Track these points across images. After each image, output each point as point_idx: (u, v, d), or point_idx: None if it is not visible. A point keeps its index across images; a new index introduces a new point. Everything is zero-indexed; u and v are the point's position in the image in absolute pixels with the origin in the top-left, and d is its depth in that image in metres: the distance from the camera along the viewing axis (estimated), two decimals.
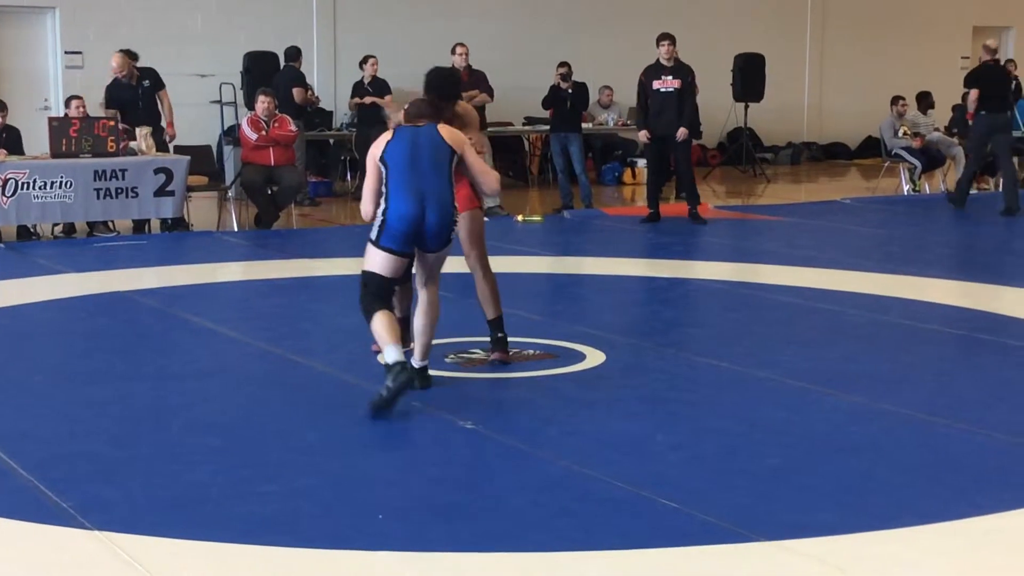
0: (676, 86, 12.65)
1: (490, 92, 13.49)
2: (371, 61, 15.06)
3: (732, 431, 5.66)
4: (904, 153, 15.76)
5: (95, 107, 12.65)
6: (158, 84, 12.81)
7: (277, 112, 12.69)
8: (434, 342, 6.37)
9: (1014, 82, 17.41)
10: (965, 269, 10.46)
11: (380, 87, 14.97)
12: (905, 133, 15.93)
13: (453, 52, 13.56)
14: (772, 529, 4.39)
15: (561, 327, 7.64)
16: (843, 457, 5.28)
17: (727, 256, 11.31)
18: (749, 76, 18.21)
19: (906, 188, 15.82)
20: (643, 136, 13.09)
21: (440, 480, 5.05)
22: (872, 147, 19.07)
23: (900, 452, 5.36)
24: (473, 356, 6.95)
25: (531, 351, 7.06)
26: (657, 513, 4.58)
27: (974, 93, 13.80)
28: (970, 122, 14.24)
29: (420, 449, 5.57)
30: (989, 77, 13.82)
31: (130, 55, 12.82)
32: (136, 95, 12.69)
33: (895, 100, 16.40)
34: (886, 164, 16.78)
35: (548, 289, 9.84)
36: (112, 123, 11.96)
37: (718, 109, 18.27)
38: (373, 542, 4.33)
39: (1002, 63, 14.38)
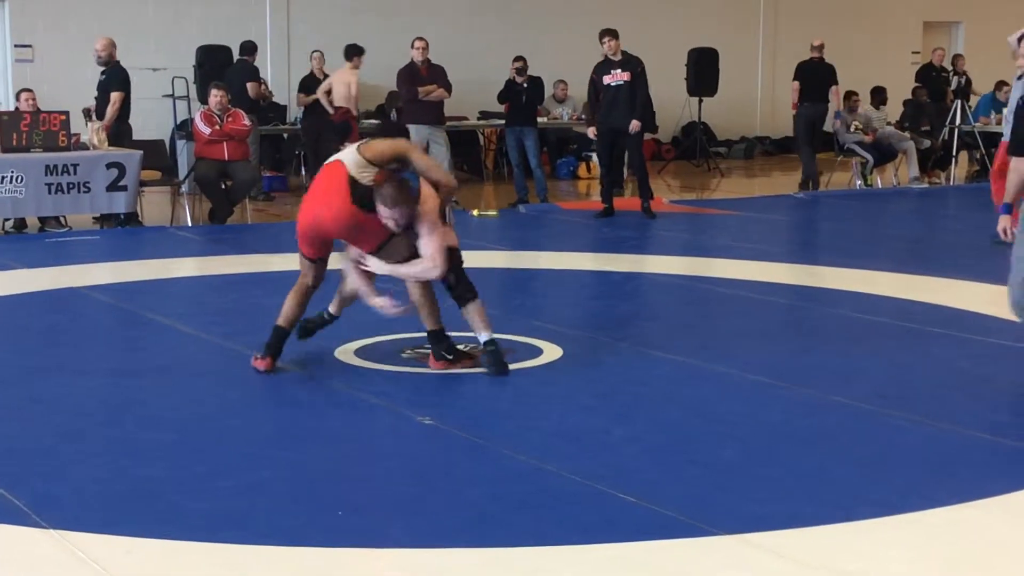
0: (626, 78, 12.66)
1: (448, 87, 13.47)
2: (315, 56, 15.02)
3: (688, 424, 5.68)
4: (856, 147, 15.87)
5: (45, 99, 12.52)
6: (111, 83, 12.59)
7: (230, 107, 12.61)
8: (390, 337, 6.35)
9: (963, 78, 17.66)
10: (917, 262, 10.55)
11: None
12: (857, 127, 16.05)
13: (412, 46, 13.51)
14: (730, 522, 4.41)
15: (517, 322, 7.64)
16: (798, 449, 5.32)
17: (681, 250, 11.35)
18: (703, 71, 18.28)
19: (858, 182, 15.93)
20: (591, 132, 13.10)
21: (398, 475, 5.04)
22: (824, 142, 19.17)
23: (855, 444, 5.40)
24: (429, 351, 6.93)
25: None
26: (615, 507, 4.59)
27: (795, 86, 15.96)
28: (794, 112, 16.12)
29: (378, 444, 5.55)
30: (810, 71, 15.94)
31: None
32: (96, 84, 12.61)
33: (848, 95, 16.52)
34: (838, 159, 16.90)
35: (504, 284, 9.83)
36: (64, 117, 11.82)
37: (672, 103, 18.34)
38: (331, 538, 4.31)
39: (820, 59, 16.04)
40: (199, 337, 7.44)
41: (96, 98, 12.61)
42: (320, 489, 4.82)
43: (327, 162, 6.36)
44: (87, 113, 12.47)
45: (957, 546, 4.33)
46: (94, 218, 12.04)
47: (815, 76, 15.94)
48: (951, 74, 17.85)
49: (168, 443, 5.37)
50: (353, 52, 14.78)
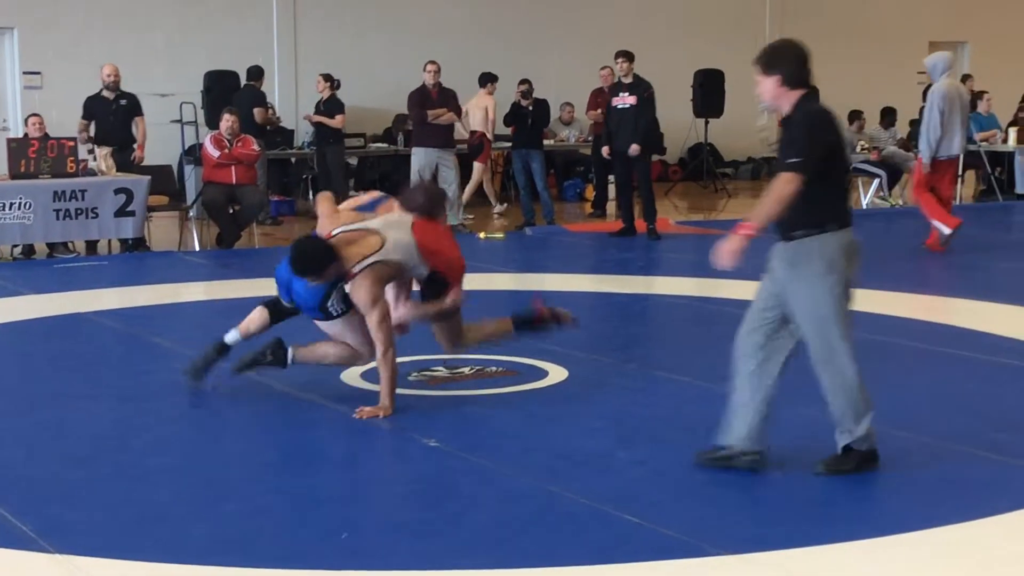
0: (632, 102, 12.74)
1: (458, 111, 13.53)
2: (319, 81, 15.11)
3: (693, 446, 5.67)
4: (867, 166, 15.88)
5: (54, 125, 12.61)
6: (136, 109, 12.85)
7: (240, 132, 12.68)
8: (400, 360, 6.35)
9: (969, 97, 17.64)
10: (924, 282, 10.56)
11: (335, 105, 14.98)
12: (864, 148, 16.08)
13: (424, 69, 13.56)
14: (733, 542, 4.42)
15: (523, 344, 7.64)
16: (800, 469, 5.32)
17: (688, 271, 11.37)
18: (709, 92, 18.32)
19: (871, 200, 15.92)
20: (605, 152, 13.21)
21: (404, 497, 5.05)
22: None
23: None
24: (436, 373, 6.96)
25: (494, 368, 7.08)
26: (620, 528, 4.60)
27: None
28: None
29: (384, 467, 5.57)
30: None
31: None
32: (110, 110, 12.71)
33: (854, 115, 16.57)
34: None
35: (510, 306, 9.79)
36: (72, 143, 11.90)
37: (679, 125, 18.37)
38: (337, 561, 4.32)
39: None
40: None
41: (112, 123, 12.68)
42: (326, 512, 4.83)
43: (410, 223, 6.27)
44: (86, 139, 12.52)
45: (961, 565, 4.33)
46: (86, 242, 12.13)
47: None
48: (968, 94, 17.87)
49: (175, 468, 5.39)
50: (488, 79, 15.10)
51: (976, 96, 17.39)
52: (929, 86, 17.90)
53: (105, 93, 12.79)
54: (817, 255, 5.06)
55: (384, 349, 6.02)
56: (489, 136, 15.08)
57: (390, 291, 6.31)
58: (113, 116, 12.76)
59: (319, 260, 6.08)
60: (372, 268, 6.03)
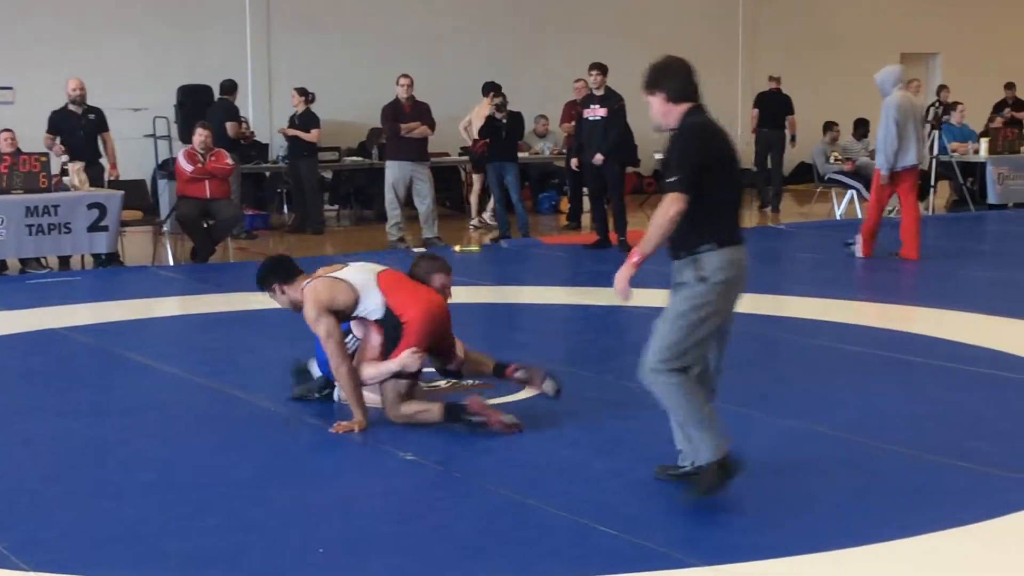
0: (603, 114, 12.81)
1: (432, 124, 13.54)
2: (293, 95, 15.10)
3: (670, 457, 5.69)
4: (843, 177, 15.96)
5: (26, 140, 12.56)
6: (103, 124, 12.81)
7: (213, 146, 12.67)
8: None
9: (940, 108, 17.77)
10: (896, 292, 10.62)
11: (309, 119, 14.98)
12: (837, 159, 16.17)
13: (397, 83, 13.58)
14: (709, 553, 4.44)
15: (500, 356, 7.65)
16: (778, 480, 5.34)
17: (662, 283, 11.34)
18: None
19: (844, 211, 15.99)
20: (574, 164, 13.27)
21: (381, 512, 5.05)
22: (804, 173, 19.29)
23: (834, 474, 5.43)
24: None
25: (470, 381, 7.08)
26: (597, 540, 4.61)
27: (755, 113, 17.55)
28: (753, 135, 17.65)
29: (360, 481, 5.56)
30: (768, 101, 17.41)
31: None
32: (78, 124, 12.66)
33: (828, 127, 16.67)
34: (818, 189, 17.02)
35: (486, 319, 9.86)
36: (45, 158, 11.87)
37: (652, 137, 18.36)
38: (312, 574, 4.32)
39: (778, 90, 17.47)
40: (181, 377, 7.45)
41: (80, 138, 12.63)
42: (303, 527, 4.82)
43: (381, 271, 6.32)
44: (61, 152, 12.46)
45: (936, 574, 4.36)
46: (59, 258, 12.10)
47: (772, 105, 17.35)
48: (935, 104, 17.99)
49: (151, 484, 5.38)
50: (491, 88, 15.25)
51: (949, 107, 17.52)
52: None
53: (72, 107, 12.73)
54: (693, 270, 4.88)
55: (335, 365, 6.09)
56: None
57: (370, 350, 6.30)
58: (82, 131, 12.71)
59: (265, 269, 6.50)
60: (310, 286, 6.20)
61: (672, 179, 4.78)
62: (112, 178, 12.77)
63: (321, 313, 6.09)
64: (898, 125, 11.84)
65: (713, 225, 4.85)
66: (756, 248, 13.24)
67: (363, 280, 6.21)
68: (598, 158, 12.68)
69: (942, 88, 18.62)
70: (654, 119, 5.01)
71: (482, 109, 15.25)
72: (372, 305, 6.16)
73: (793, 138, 17.49)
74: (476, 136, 15.14)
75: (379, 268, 6.38)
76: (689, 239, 4.86)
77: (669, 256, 5.00)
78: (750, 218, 16.90)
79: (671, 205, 4.77)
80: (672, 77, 4.96)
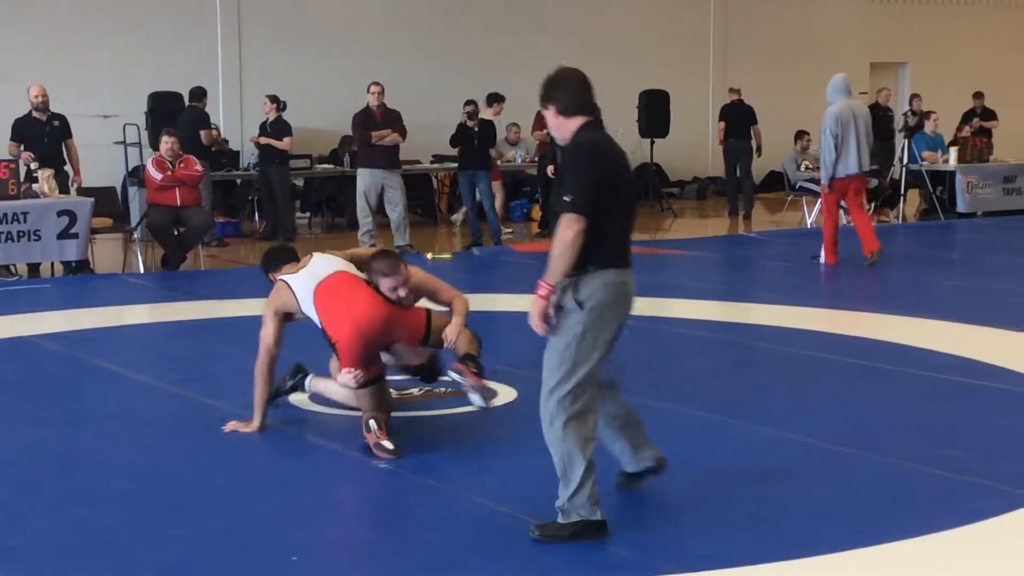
0: None
1: (403, 132, 13.52)
2: (266, 102, 15.04)
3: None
4: (813, 185, 16.01)
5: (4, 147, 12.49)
6: (67, 131, 12.72)
7: (182, 153, 12.61)
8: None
9: (911, 117, 17.87)
10: (869, 301, 10.67)
11: (281, 127, 14.93)
12: (807, 167, 16.24)
13: (368, 90, 13.56)
14: (683, 561, 4.45)
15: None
16: (752, 488, 5.36)
17: (636, 290, 11.39)
18: (654, 112, 18.44)
19: (815, 219, 16.06)
20: (550, 171, 13.28)
21: (355, 520, 5.04)
22: (775, 181, 19.36)
23: (809, 482, 5.45)
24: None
25: (443, 389, 7.06)
26: (569, 548, 4.60)
27: (721, 125, 17.77)
28: (721, 147, 17.94)
29: (334, 489, 5.54)
30: (733, 112, 17.71)
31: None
32: (43, 131, 12.58)
33: (799, 135, 16.74)
34: (789, 197, 17.08)
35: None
36: (15, 165, 11.80)
37: (624, 145, 18.33)
38: None
39: (740, 101, 17.77)
40: (153, 385, 7.41)
41: (45, 145, 12.55)
42: (276, 535, 4.80)
43: (324, 278, 6.13)
44: (31, 159, 12.36)
45: None
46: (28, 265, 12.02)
47: (737, 116, 17.68)
48: (908, 113, 18.10)
49: (123, 492, 5.34)
50: (495, 99, 15.94)
51: (923, 116, 17.64)
52: (870, 106, 18.25)
53: (36, 115, 12.64)
54: (570, 295, 4.60)
55: (256, 364, 6.19)
56: (494, 153, 15.55)
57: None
58: (47, 138, 12.61)
59: (264, 256, 6.77)
60: (275, 286, 6.32)
61: (567, 199, 4.54)
62: (76, 185, 12.68)
63: (270, 315, 6.21)
64: (835, 135, 12.07)
65: (598, 246, 4.60)
66: (727, 256, 13.34)
67: (305, 292, 6.12)
68: (550, 169, 12.70)
69: (914, 97, 18.74)
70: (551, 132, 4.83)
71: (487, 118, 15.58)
72: (313, 319, 6.14)
73: (759, 147, 17.76)
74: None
75: (327, 272, 6.16)
76: (578, 258, 4.59)
77: None
78: (722, 226, 16.97)
79: (568, 228, 4.52)
80: (564, 89, 4.74)
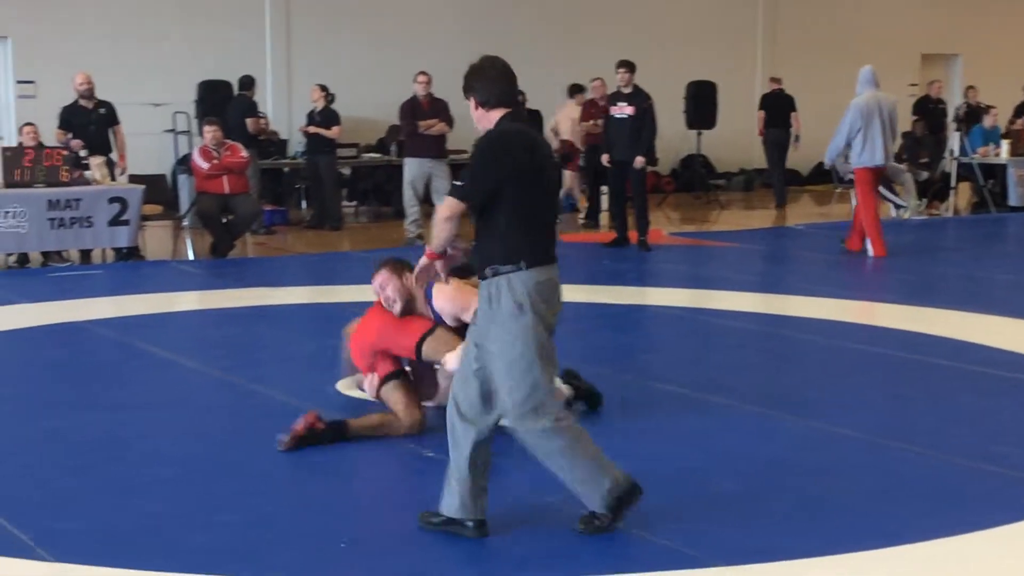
0: (630, 112, 12.79)
1: (450, 121, 13.53)
2: (314, 90, 15.08)
3: (689, 457, 5.69)
4: None
5: (48, 134, 12.60)
6: (113, 118, 12.81)
7: (226, 140, 12.68)
8: None
9: (962, 108, 17.70)
10: (919, 294, 10.57)
11: (329, 116, 14.97)
12: None
13: (415, 80, 13.58)
14: (727, 554, 4.43)
15: None
16: (799, 481, 5.33)
17: (682, 282, 11.38)
18: (701, 104, 18.35)
19: (894, 213, 15.96)
20: (605, 160, 13.24)
21: (402, 508, 5.04)
22: (824, 173, 19.22)
23: (856, 476, 5.41)
24: None
25: None
26: (615, 539, 4.60)
27: (761, 115, 17.90)
28: (761, 137, 18.03)
29: (381, 477, 5.56)
30: (773, 101, 17.94)
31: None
32: (89, 119, 12.68)
33: None
34: (837, 190, 16.96)
35: None
36: (66, 151, 11.91)
37: (671, 136, 18.37)
38: (333, 571, 4.32)
39: (781, 90, 18.04)
40: (201, 371, 7.46)
41: (92, 133, 12.64)
42: (323, 522, 4.82)
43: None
44: (82, 146, 12.45)
45: None
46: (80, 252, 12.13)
47: (777, 105, 17.83)
48: (961, 106, 17.93)
49: (170, 478, 5.39)
50: (576, 90, 16.21)
51: (982, 110, 17.52)
52: (921, 98, 18.09)
53: (82, 102, 12.73)
54: (507, 294, 4.48)
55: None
56: (579, 145, 15.96)
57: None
58: (93, 125, 12.71)
59: None
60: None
61: (457, 184, 4.55)
62: (122, 171, 12.74)
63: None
64: (851, 127, 12.24)
65: (521, 243, 4.50)
66: (773, 248, 13.26)
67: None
68: (639, 161, 12.67)
69: (969, 89, 18.56)
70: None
71: (568, 110, 16.03)
72: None
73: (797, 137, 17.79)
74: (563, 137, 16.00)
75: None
76: (495, 257, 4.51)
77: (479, 276, 4.62)
78: (768, 218, 16.87)
79: (445, 209, 4.51)
80: (483, 79, 4.65)
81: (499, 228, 4.51)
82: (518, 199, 4.50)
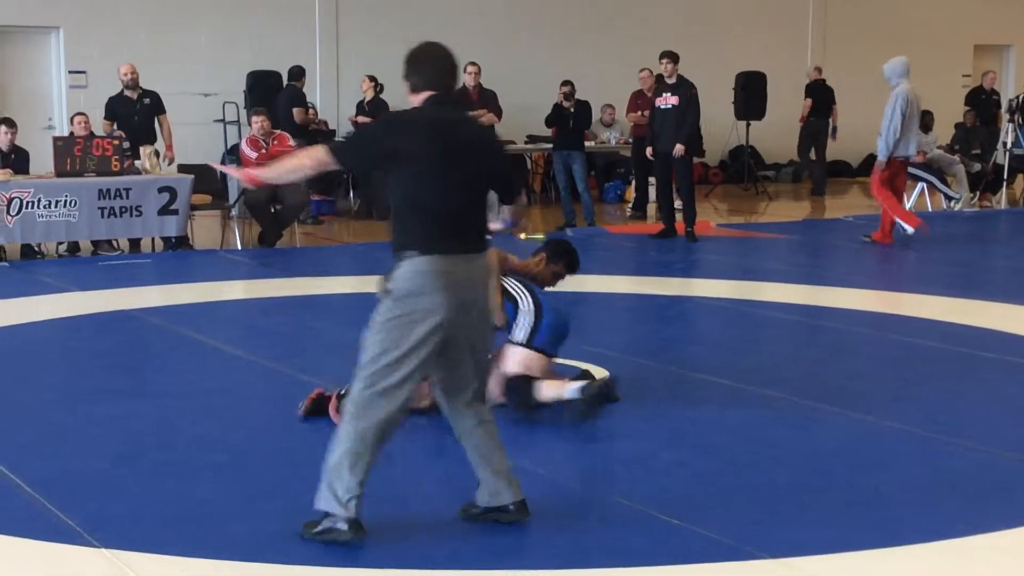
0: (674, 103, 12.74)
1: (498, 112, 13.53)
2: (364, 80, 15.11)
3: (736, 448, 5.67)
4: (914, 170, 15.75)
5: (99, 124, 12.71)
6: (159, 107, 12.91)
7: (274, 130, 12.74)
8: None
9: (1017, 99, 17.48)
10: (967, 286, 10.48)
11: (378, 107, 15.00)
12: None
13: (464, 70, 13.60)
14: (775, 546, 4.40)
15: (564, 346, 7.64)
16: (847, 474, 5.29)
17: (729, 274, 11.33)
18: (750, 94, 18.27)
19: (913, 204, 15.81)
20: (649, 153, 13.20)
21: (441, 497, 5.05)
22: (873, 164, 19.10)
23: (904, 470, 5.37)
24: None
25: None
26: (660, 530, 4.58)
27: (808, 103, 18.28)
28: (802, 123, 18.41)
29: (422, 467, 5.57)
30: (814, 92, 18.29)
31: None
32: (134, 109, 12.78)
33: None
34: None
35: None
36: (117, 141, 12.02)
37: (720, 127, 18.32)
38: (376, 560, 4.34)
39: (823, 81, 18.44)
40: (249, 360, 7.51)
41: (137, 123, 12.74)
42: (367, 511, 4.83)
43: None
44: (124, 141, 12.54)
45: (1004, 573, 4.30)
46: (129, 240, 12.23)
47: (818, 95, 18.27)
48: (1018, 96, 17.70)
49: (218, 465, 5.42)
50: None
51: None
52: (974, 89, 17.87)
53: (127, 93, 12.83)
54: (394, 280, 4.40)
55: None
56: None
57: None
58: (138, 115, 12.81)
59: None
60: None
61: (339, 139, 4.58)
62: (168, 161, 12.85)
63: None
64: (904, 116, 12.17)
65: (419, 230, 4.39)
66: (821, 240, 13.17)
67: None
68: (679, 149, 12.63)
69: None
70: None
71: None
72: None
73: (835, 129, 18.10)
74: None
75: None
76: (395, 242, 4.44)
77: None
78: (818, 209, 16.75)
79: (310, 154, 4.61)
80: (412, 63, 4.57)
81: (393, 212, 4.49)
82: (407, 184, 4.43)
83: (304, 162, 4.63)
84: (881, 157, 12.32)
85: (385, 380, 4.39)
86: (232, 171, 4.70)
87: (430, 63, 4.57)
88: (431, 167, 4.41)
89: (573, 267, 6.68)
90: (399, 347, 4.37)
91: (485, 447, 4.68)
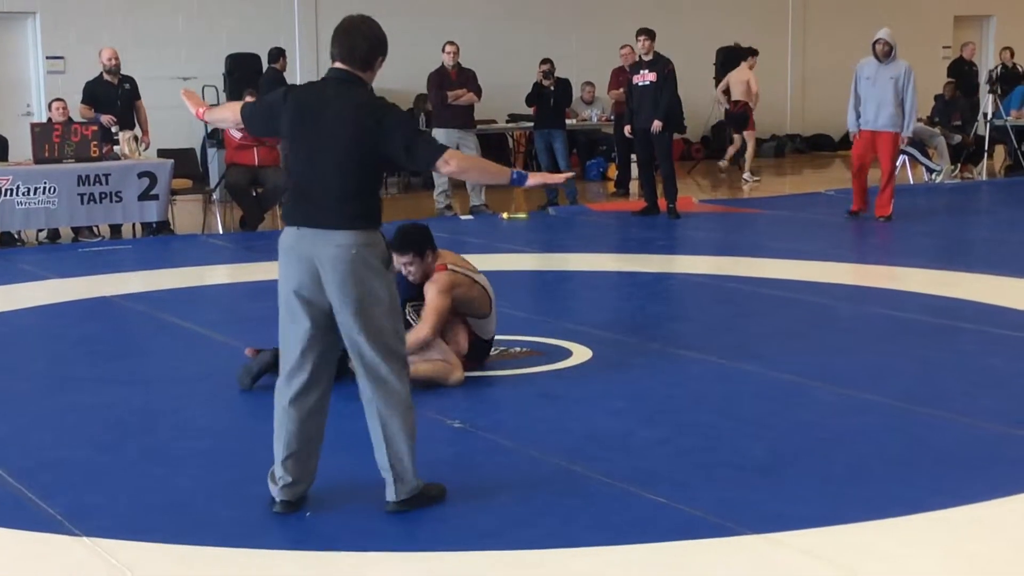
0: (652, 79, 12.75)
1: (478, 91, 13.50)
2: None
3: (718, 425, 5.68)
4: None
5: (76, 110, 12.65)
6: (136, 93, 12.83)
7: None
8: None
9: (996, 70, 17.51)
10: (946, 258, 10.51)
11: None
12: None
13: (443, 50, 13.57)
14: (758, 522, 4.42)
15: (547, 324, 7.66)
16: (828, 448, 5.31)
17: (711, 250, 11.34)
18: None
19: (927, 176, 15.82)
20: (627, 131, 13.20)
21: (428, 479, 5.05)
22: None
23: (885, 443, 5.39)
24: None
25: (518, 348, 7.08)
26: (644, 508, 4.60)
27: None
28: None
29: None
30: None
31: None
32: (115, 94, 12.71)
33: None
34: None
35: (534, 286, 9.85)
36: (95, 127, 11.96)
37: (701, 103, 18.30)
38: (362, 542, 4.34)
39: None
40: (231, 345, 7.48)
41: (118, 108, 12.68)
42: (353, 494, 4.84)
43: None
44: (111, 122, 12.48)
45: (985, 543, 4.32)
46: (110, 226, 12.18)
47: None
48: (998, 67, 17.73)
49: (201, 451, 5.42)
50: (749, 53, 17.15)
51: (1021, 75, 17.37)
52: (955, 60, 17.88)
53: (107, 77, 12.76)
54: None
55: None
56: (752, 106, 16.72)
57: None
58: (119, 100, 12.74)
59: (417, 235, 6.46)
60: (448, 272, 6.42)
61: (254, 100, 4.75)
62: (145, 146, 12.76)
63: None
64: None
65: (287, 199, 4.73)
66: (804, 215, 13.18)
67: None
68: (656, 125, 12.63)
69: (1004, 49, 18.35)
70: None
71: (741, 74, 16.70)
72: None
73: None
74: (736, 98, 16.66)
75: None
76: None
77: None
78: (801, 183, 16.76)
79: (234, 105, 4.88)
80: (334, 37, 4.68)
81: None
82: (287, 153, 4.67)
83: (227, 115, 4.99)
84: (907, 133, 12.41)
85: (287, 354, 4.66)
86: (188, 101, 4.92)
87: (339, 36, 4.65)
88: (288, 139, 4.59)
89: (418, 248, 6.45)
90: (282, 315, 4.62)
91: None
